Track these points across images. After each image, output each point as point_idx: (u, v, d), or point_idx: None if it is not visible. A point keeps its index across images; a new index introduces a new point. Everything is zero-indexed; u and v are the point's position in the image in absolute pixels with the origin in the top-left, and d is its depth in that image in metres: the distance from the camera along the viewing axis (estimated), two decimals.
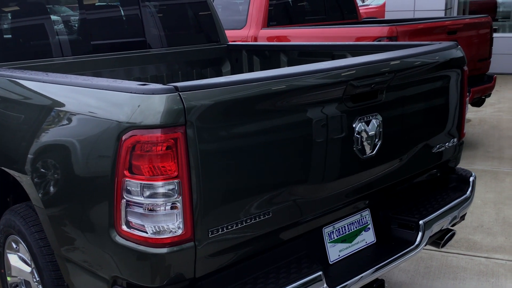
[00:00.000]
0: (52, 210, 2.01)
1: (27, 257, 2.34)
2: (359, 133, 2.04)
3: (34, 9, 3.14)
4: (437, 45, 2.54)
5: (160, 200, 1.64)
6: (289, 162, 1.89)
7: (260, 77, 1.76)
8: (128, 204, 1.68)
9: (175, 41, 3.70)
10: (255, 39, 6.13)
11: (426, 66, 2.35)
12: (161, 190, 1.63)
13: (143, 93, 1.64)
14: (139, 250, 1.68)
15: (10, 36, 3.10)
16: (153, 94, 1.62)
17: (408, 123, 2.33)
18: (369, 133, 2.07)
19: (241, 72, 3.79)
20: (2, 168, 2.36)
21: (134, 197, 1.66)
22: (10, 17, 3.07)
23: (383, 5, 16.83)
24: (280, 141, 1.85)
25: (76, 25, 3.42)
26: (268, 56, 3.63)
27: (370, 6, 16.32)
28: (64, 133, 1.90)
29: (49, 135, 1.97)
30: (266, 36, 6.04)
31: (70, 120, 1.87)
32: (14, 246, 2.44)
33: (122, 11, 3.56)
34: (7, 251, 2.52)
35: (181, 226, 1.66)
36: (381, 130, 2.12)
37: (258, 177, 1.81)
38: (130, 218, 1.69)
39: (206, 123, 1.65)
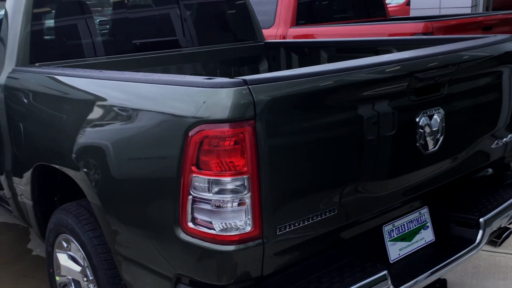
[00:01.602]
0: (111, 207, 1.99)
1: (79, 256, 2.33)
2: (422, 127, 1.98)
3: (74, 8, 3.14)
4: (492, 38, 2.46)
5: (228, 196, 1.60)
6: (354, 158, 1.84)
7: (329, 70, 1.71)
8: (195, 200, 1.64)
9: (212, 39, 3.67)
10: (284, 38, 6.08)
11: (486, 59, 2.28)
12: (229, 186, 1.59)
13: (211, 87, 1.60)
14: (205, 247, 1.65)
15: (51, 36, 3.10)
16: (221, 88, 1.58)
17: (467, 117, 2.26)
18: (432, 128, 2.01)
19: (279, 70, 3.75)
20: (53, 165, 2.35)
21: (201, 193, 1.62)
22: (50, 17, 3.07)
23: (404, 4, 16.66)
24: (346, 136, 1.80)
25: (117, 24, 3.41)
26: (308, 53, 3.58)
27: (390, 5, 16.16)
28: (125, 129, 1.87)
29: (109, 132, 1.94)
30: (295, 35, 5.99)
31: (131, 116, 1.85)
32: (65, 245, 2.42)
33: (161, 10, 3.54)
34: (57, 250, 2.50)
35: (249, 223, 1.62)
36: (443, 124, 2.05)
37: (325, 173, 1.76)
38: (196, 215, 1.66)
39: (275, 117, 1.61)
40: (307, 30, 6.00)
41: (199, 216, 1.65)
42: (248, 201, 1.60)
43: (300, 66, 3.63)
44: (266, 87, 1.60)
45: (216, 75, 3.61)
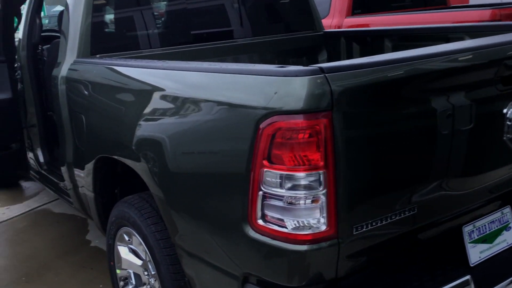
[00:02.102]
0: (173, 200, 1.93)
1: (140, 249, 2.29)
2: (510, 120, 1.80)
3: (133, 0, 3.11)
4: None
5: (302, 193, 1.50)
6: (435, 152, 1.69)
7: (413, 56, 1.57)
8: (266, 196, 1.55)
9: (269, 29, 3.56)
10: (339, 28, 5.89)
11: None
12: (303, 182, 1.49)
13: (284, 76, 1.50)
14: (276, 246, 1.55)
15: (111, 27, 3.09)
16: (295, 76, 1.47)
17: None
18: None
19: (339, 61, 3.60)
20: (114, 157, 2.32)
21: (273, 189, 1.53)
22: (110, 9, 3.06)
23: None
24: (427, 129, 1.65)
25: (172, 16, 3.37)
26: (370, 42, 3.41)
27: None
28: (189, 120, 1.80)
29: (172, 123, 1.88)
30: (351, 24, 5.79)
31: (196, 108, 1.78)
32: (126, 238, 2.40)
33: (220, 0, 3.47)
34: (118, 243, 2.49)
35: (324, 221, 1.51)
36: None
37: (404, 169, 1.63)
38: (267, 212, 1.56)
39: (353, 108, 1.49)
40: (363, 19, 5.79)
41: (270, 213, 1.56)
42: (323, 198, 1.49)
43: (362, 56, 3.47)
44: (343, 76, 1.48)
45: None
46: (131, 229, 2.30)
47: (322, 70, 1.46)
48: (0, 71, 3.29)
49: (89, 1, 2.75)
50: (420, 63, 1.57)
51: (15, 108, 3.37)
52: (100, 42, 2.77)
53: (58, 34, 5.12)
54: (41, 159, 3.61)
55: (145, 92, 2.08)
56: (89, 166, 2.55)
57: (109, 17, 2.97)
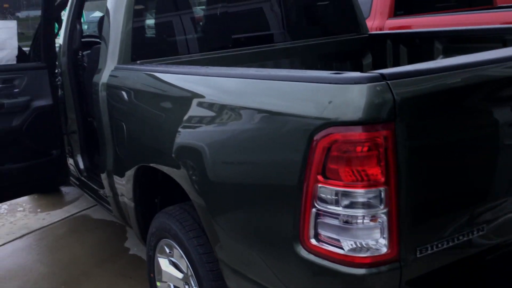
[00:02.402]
0: (216, 213, 1.83)
1: (182, 263, 2.21)
2: None
3: (174, 4, 3.05)
4: None
5: (360, 211, 1.37)
6: (507, 166, 1.53)
7: (486, 60, 1.43)
8: (320, 214, 1.43)
9: (311, 32, 3.44)
10: (380, 31, 5.70)
11: None
12: (362, 199, 1.36)
13: (341, 83, 1.38)
14: (331, 268, 1.43)
15: (152, 32, 3.04)
16: (354, 83, 1.35)
17: None
18: None
19: (385, 64, 3.44)
20: (154, 166, 2.25)
21: (328, 206, 1.41)
22: (151, 14, 3.00)
23: None
24: (499, 140, 1.50)
25: (212, 20, 3.29)
26: (419, 44, 3.24)
27: None
28: (234, 129, 1.70)
29: (216, 131, 1.78)
30: (393, 26, 5.59)
31: (242, 116, 1.67)
32: (167, 250, 2.32)
33: (259, 2, 3.37)
34: (158, 255, 2.41)
35: (385, 242, 1.38)
36: None
37: (472, 185, 1.48)
38: (321, 231, 1.44)
39: (418, 119, 1.36)
40: (406, 21, 5.58)
41: (324, 233, 1.44)
42: (384, 217, 1.36)
43: (410, 59, 3.30)
44: (407, 82, 1.35)
45: None
46: (172, 242, 2.22)
47: (383, 77, 1.33)
48: (41, 77, 3.29)
49: (130, 6, 2.69)
50: (494, 68, 1.42)
51: (56, 114, 3.36)
52: (140, 48, 2.72)
53: (97, 40, 5.16)
54: (81, 165, 3.60)
55: (185, 98, 1.99)
56: (129, 174, 2.49)
57: (150, 22, 2.92)
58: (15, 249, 3.80)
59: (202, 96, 1.93)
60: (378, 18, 5.74)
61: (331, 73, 1.43)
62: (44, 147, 3.31)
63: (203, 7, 3.31)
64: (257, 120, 1.62)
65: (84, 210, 4.47)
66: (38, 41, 3.45)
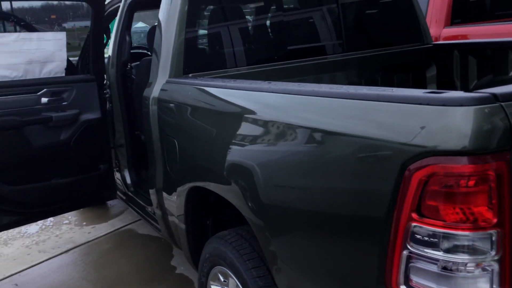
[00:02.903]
0: (278, 243, 1.65)
1: None
2: None
3: (228, 16, 2.90)
4: None
5: (465, 257, 1.16)
6: None
7: None
8: (412, 257, 1.22)
9: (371, 43, 3.22)
10: (436, 40, 5.41)
11: None
12: (467, 243, 1.15)
13: (440, 105, 1.17)
14: None
15: (204, 44, 2.90)
16: (457, 106, 1.14)
17: None
18: None
19: (450, 77, 3.19)
20: (205, 187, 2.09)
21: (423, 249, 1.20)
22: (204, 26, 2.86)
23: None
24: None
25: (267, 30, 3.13)
26: (490, 55, 2.98)
27: None
28: (304, 150, 1.51)
29: (280, 152, 1.60)
30: (450, 35, 5.29)
31: (316, 139, 1.48)
32: (222, 278, 2.15)
33: (317, 12, 3.19)
34: (211, 282, 2.24)
35: None
36: None
37: None
38: (413, 277, 1.23)
39: None
40: (464, 29, 5.27)
41: (417, 279, 1.23)
42: (495, 265, 1.14)
43: (480, 72, 3.04)
44: None
45: (377, 85, 3.16)
46: (227, 270, 2.05)
47: (496, 98, 1.12)
48: (90, 90, 3.21)
49: (183, 18, 2.56)
50: None
51: (105, 128, 3.27)
52: (193, 60, 2.58)
53: (145, 51, 5.10)
54: (128, 180, 3.50)
55: (243, 117, 1.82)
56: (181, 195, 2.34)
57: (203, 34, 2.78)
58: (60, 264, 3.73)
59: (266, 115, 1.74)
60: (434, 27, 5.44)
61: (425, 92, 1.23)
62: (92, 161, 3.22)
63: (258, 16, 3.14)
64: (335, 143, 1.43)
65: (129, 224, 4.38)
66: (86, 53, 3.38)
